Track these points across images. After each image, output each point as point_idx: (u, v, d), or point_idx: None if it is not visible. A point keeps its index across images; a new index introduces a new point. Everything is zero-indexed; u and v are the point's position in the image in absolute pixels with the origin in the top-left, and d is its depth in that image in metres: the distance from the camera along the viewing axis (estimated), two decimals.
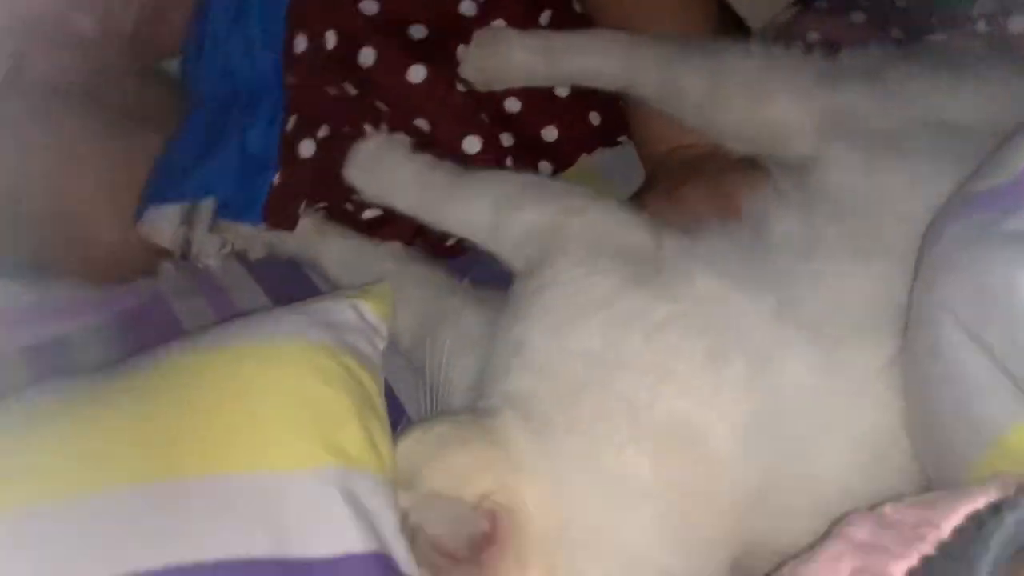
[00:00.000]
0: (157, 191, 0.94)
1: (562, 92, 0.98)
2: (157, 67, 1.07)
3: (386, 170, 0.85)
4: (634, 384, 0.63)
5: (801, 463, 0.61)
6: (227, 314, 0.83)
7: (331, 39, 0.92)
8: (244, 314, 0.73)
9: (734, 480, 0.61)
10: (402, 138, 0.88)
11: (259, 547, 0.53)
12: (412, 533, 0.58)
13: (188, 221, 0.91)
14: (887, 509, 0.48)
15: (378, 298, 0.71)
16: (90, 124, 0.92)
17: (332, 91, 0.92)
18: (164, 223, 0.91)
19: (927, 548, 0.43)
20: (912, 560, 0.43)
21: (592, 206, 0.75)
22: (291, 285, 0.87)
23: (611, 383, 0.63)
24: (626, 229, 0.73)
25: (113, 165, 0.93)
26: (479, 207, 0.79)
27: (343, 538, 0.54)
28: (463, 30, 0.95)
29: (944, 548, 0.43)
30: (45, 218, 0.91)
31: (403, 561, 0.57)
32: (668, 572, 0.59)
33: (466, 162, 0.90)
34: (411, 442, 0.63)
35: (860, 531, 0.47)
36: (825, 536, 0.48)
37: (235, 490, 0.55)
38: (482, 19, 0.96)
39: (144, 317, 0.90)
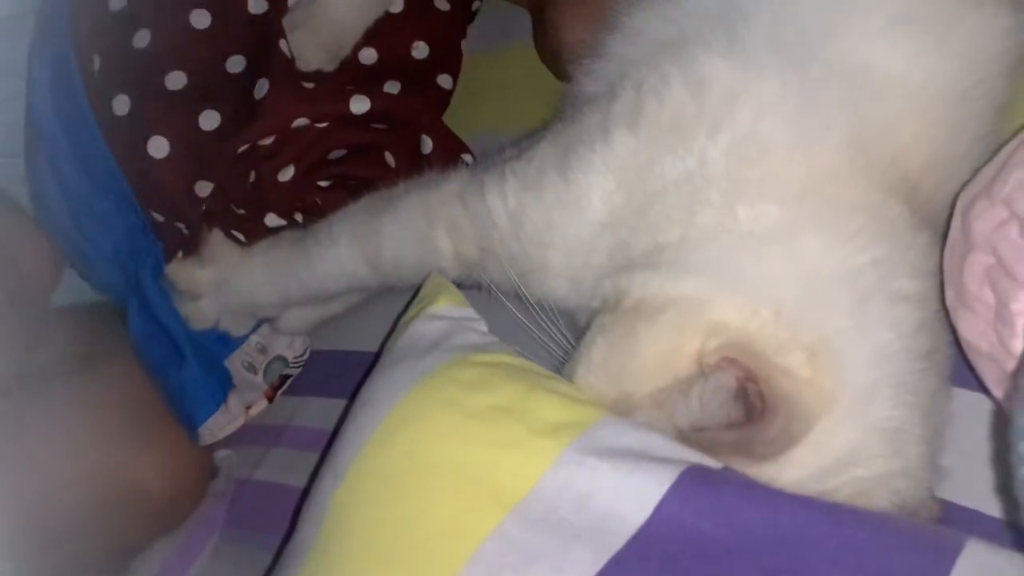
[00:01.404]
0: (194, 410, 0.87)
1: (397, 8, 0.90)
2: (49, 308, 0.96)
3: (233, 289, 0.80)
4: (691, 162, 0.56)
5: None
6: (320, 434, 0.74)
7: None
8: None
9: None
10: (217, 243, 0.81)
11: (586, 565, 0.46)
12: (683, 436, 0.52)
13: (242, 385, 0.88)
14: None
15: (438, 291, 0.64)
16: (60, 403, 0.81)
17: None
18: (223, 419, 0.88)
19: None
20: None
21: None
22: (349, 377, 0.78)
23: (669, 173, 0.57)
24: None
25: (116, 427, 0.83)
26: (343, 253, 0.72)
27: (642, 484, 0.48)
28: (270, 34, 0.86)
29: None
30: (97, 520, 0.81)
31: (701, 459, 0.50)
32: (877, 259, 0.53)
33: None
34: (589, 374, 0.56)
35: None
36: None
37: (519, 540, 0.48)
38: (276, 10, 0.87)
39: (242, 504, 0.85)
